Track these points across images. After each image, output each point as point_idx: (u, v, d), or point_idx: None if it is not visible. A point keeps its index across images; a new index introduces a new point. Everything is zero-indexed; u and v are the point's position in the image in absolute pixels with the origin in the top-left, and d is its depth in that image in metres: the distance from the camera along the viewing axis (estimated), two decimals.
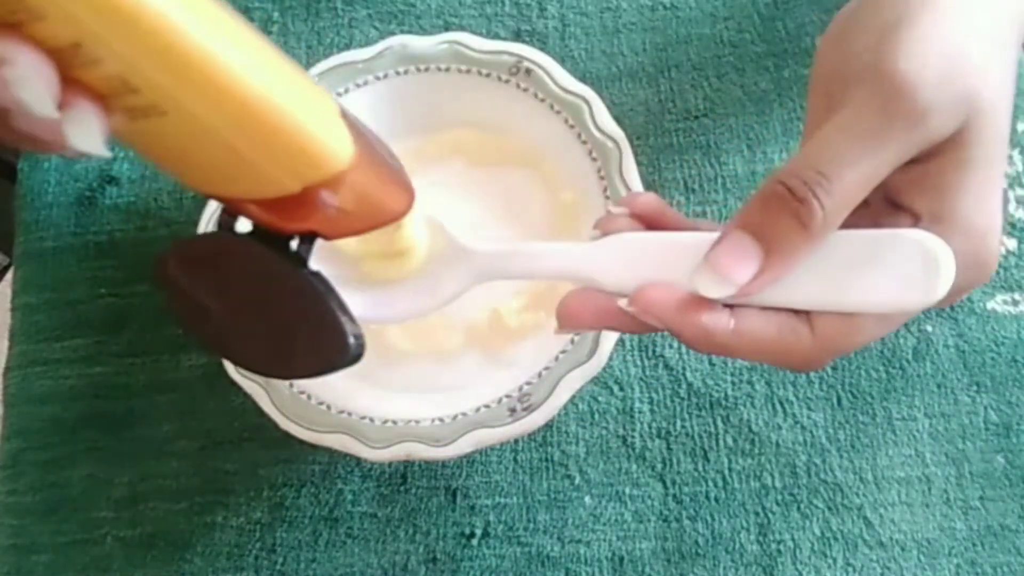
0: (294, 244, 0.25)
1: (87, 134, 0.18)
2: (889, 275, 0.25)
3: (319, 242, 0.26)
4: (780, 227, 0.25)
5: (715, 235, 0.26)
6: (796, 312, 0.26)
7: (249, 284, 0.26)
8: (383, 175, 0.26)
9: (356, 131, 0.24)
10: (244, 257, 0.25)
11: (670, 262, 0.27)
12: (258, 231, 0.25)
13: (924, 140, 0.25)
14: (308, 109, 0.22)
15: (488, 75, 0.41)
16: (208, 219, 0.40)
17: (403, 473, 0.41)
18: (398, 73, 0.42)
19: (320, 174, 0.22)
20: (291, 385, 0.37)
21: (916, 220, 0.26)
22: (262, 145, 0.20)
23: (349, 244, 0.31)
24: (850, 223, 0.25)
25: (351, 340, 0.26)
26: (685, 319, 0.26)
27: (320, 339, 0.26)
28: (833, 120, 0.25)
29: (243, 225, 0.25)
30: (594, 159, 0.39)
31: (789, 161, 0.25)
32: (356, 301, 0.28)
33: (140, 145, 0.20)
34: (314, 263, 0.26)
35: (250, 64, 0.19)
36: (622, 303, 0.27)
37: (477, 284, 0.31)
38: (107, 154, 0.18)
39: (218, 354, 0.31)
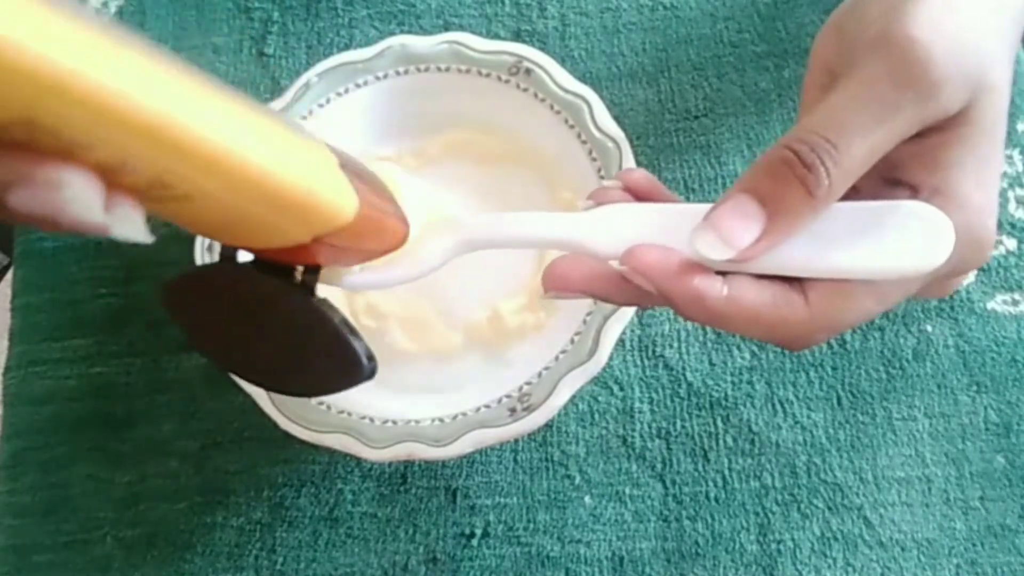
0: (298, 272, 0.27)
1: (131, 227, 0.20)
2: (888, 242, 0.25)
3: None
4: (785, 192, 0.25)
5: (710, 205, 0.26)
6: (790, 283, 0.26)
7: (257, 312, 0.27)
8: (382, 213, 0.27)
9: (356, 179, 0.26)
10: (251, 287, 0.27)
11: (664, 231, 0.27)
12: (261, 262, 0.26)
13: (934, 113, 0.24)
14: (315, 174, 0.24)
15: (488, 75, 0.41)
16: None
17: (403, 473, 0.41)
18: (398, 73, 0.42)
19: (329, 227, 0.25)
20: None
21: (915, 193, 0.26)
22: (277, 212, 0.23)
23: None
24: (842, 199, 0.25)
25: (364, 362, 0.28)
26: (678, 281, 0.26)
27: (334, 362, 0.28)
28: (841, 89, 0.25)
29: (244, 255, 0.26)
30: (594, 159, 0.39)
31: (795, 127, 0.25)
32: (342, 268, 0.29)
33: (167, 217, 0.22)
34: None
35: (265, 148, 0.22)
36: (612, 264, 0.27)
37: (466, 252, 0.31)
38: (149, 239, 0.20)
39: (230, 372, 0.32)
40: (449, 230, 0.31)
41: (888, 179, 0.27)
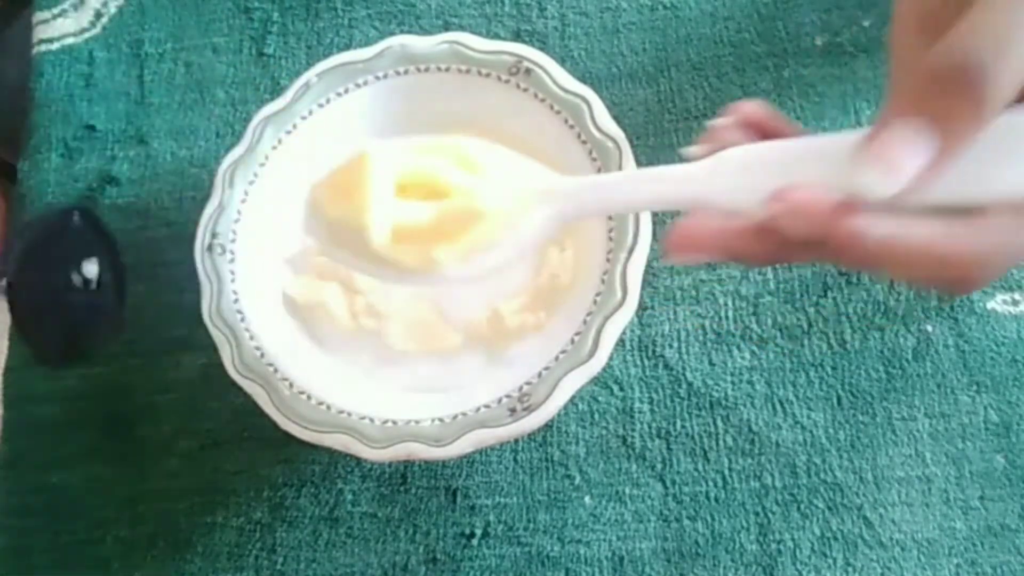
0: None
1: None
2: None
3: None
4: (953, 106, 0.22)
5: (854, 134, 0.23)
6: (957, 213, 0.23)
7: None
8: None
9: None
10: None
11: (797, 171, 0.24)
12: None
13: None
14: None
15: (488, 75, 0.41)
16: (208, 219, 0.40)
17: (403, 473, 0.41)
18: (398, 73, 0.42)
19: None
20: (291, 385, 0.37)
21: None
22: None
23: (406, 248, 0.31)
24: None
25: None
26: (839, 221, 0.23)
27: None
28: (980, 5, 0.22)
29: None
30: (594, 159, 0.39)
31: (945, 40, 0.23)
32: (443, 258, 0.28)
33: None
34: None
35: None
36: (764, 209, 0.23)
37: (566, 222, 0.28)
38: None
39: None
40: (546, 201, 0.28)
41: None
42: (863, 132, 0.24)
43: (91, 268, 0.43)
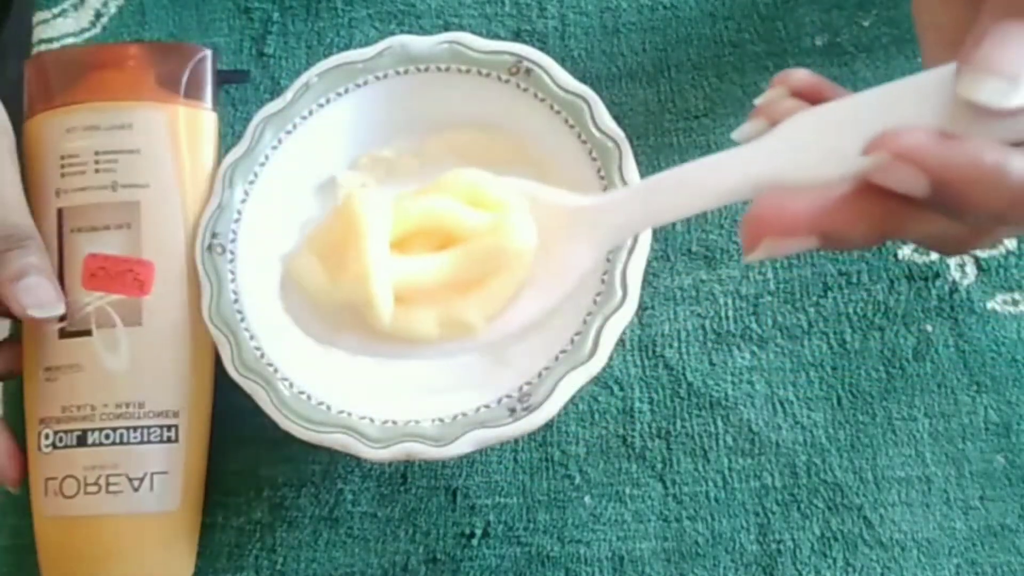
0: None
1: None
2: None
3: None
4: None
5: (931, 72, 0.20)
6: None
7: None
8: None
9: None
10: None
11: (886, 119, 0.20)
12: None
13: None
14: None
15: (488, 75, 0.41)
16: (208, 219, 0.40)
17: (403, 473, 0.41)
18: (398, 73, 0.42)
19: None
20: (291, 385, 0.37)
21: None
22: None
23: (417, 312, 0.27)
24: None
25: None
26: (965, 155, 0.19)
27: None
28: None
29: None
30: (594, 159, 0.39)
31: None
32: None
33: None
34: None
35: None
36: (860, 164, 0.19)
37: (615, 245, 0.25)
38: None
39: None
40: (584, 225, 0.25)
41: None
42: (943, 68, 0.20)
43: None
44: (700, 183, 0.22)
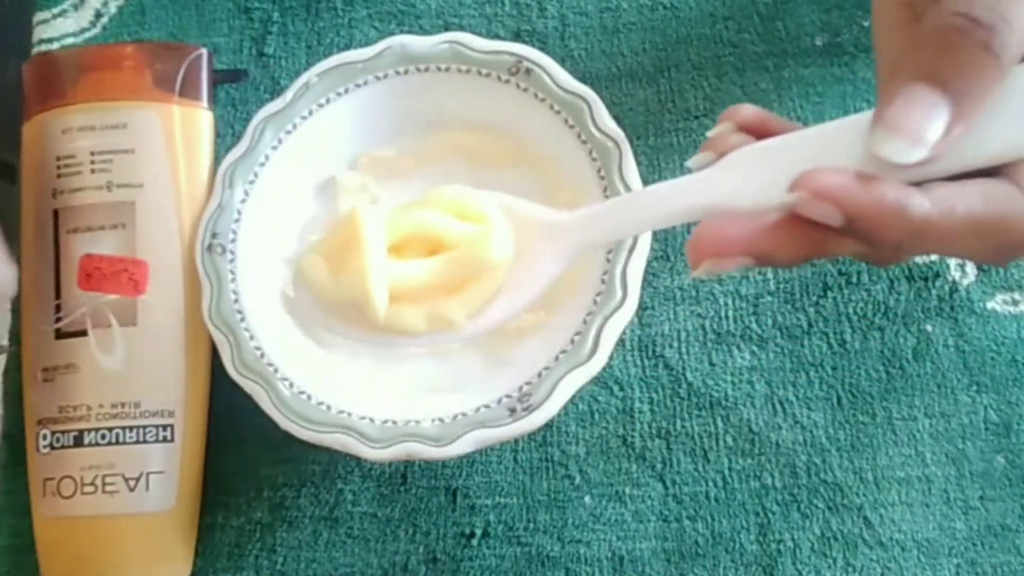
0: None
1: None
2: None
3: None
4: (967, 63, 0.21)
5: (862, 116, 0.23)
6: (990, 174, 0.22)
7: None
8: None
9: None
10: None
11: (815, 158, 0.23)
12: None
13: None
14: None
15: (488, 75, 0.41)
16: (208, 219, 0.40)
17: (403, 473, 0.41)
18: (398, 73, 0.42)
19: None
20: (291, 385, 0.37)
21: None
22: None
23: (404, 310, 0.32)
24: None
25: None
26: (872, 197, 0.22)
27: None
28: None
29: None
30: (594, 159, 0.39)
31: (944, 1, 0.22)
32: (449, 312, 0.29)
33: None
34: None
35: None
36: (785, 199, 0.22)
37: (578, 256, 0.28)
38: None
39: None
40: (553, 238, 0.28)
41: None
42: (870, 113, 0.23)
43: None
44: (654, 207, 0.26)
